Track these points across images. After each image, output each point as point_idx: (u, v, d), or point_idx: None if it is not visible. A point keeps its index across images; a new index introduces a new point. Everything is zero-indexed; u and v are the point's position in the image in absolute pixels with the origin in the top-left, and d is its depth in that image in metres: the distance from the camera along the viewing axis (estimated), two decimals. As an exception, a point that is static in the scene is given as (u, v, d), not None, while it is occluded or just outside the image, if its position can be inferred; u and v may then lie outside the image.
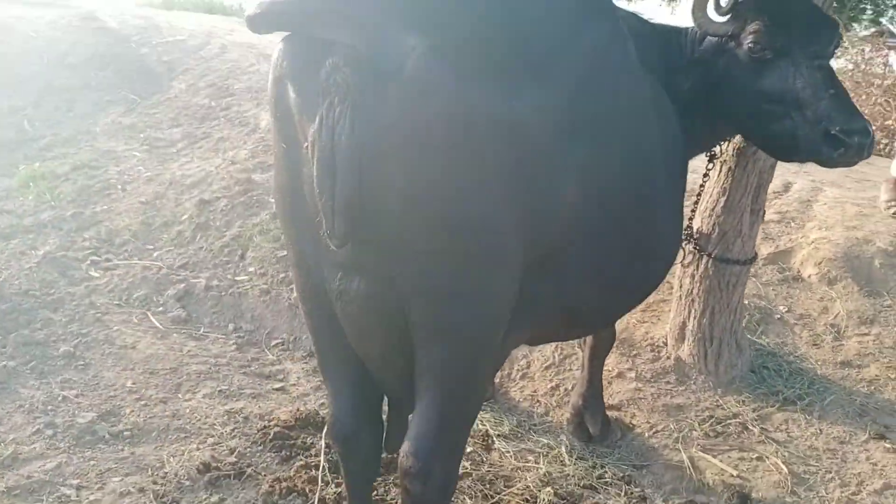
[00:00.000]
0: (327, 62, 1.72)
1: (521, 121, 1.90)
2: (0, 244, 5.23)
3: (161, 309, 4.66)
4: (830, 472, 3.33)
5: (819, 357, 4.19)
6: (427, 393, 2.06)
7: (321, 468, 3.15)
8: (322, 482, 3.10)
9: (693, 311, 3.95)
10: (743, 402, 3.82)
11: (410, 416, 2.18)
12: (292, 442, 3.39)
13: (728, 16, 2.70)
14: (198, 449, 3.31)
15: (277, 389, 3.91)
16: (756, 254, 3.92)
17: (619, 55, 2.31)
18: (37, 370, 3.84)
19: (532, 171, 1.95)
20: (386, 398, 2.40)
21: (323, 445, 3.28)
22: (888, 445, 3.48)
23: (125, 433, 3.40)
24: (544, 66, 1.98)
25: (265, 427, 3.49)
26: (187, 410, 3.63)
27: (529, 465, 3.38)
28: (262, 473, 3.18)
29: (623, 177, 2.25)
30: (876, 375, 4.02)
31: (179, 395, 3.77)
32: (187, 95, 8.50)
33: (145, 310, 4.64)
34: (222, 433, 3.46)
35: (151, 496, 2.96)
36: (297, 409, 3.65)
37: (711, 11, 2.70)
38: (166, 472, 3.13)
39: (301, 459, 3.28)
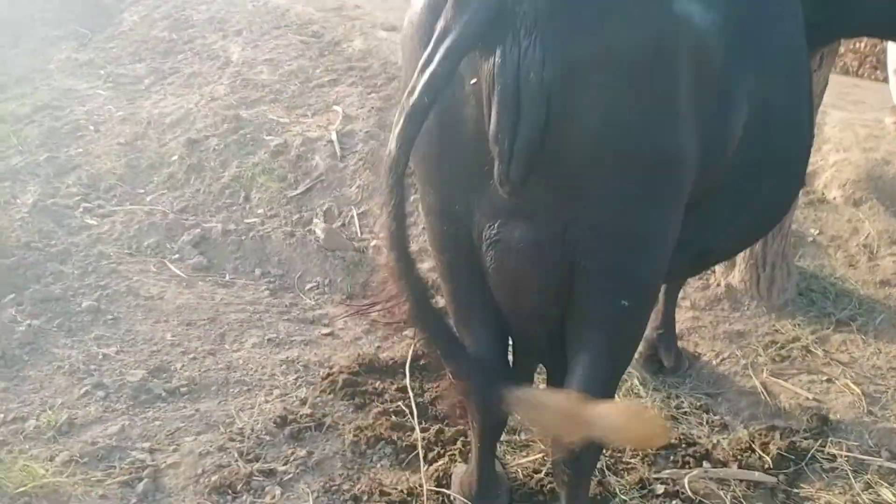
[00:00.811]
0: None
1: (711, 45, 1.74)
2: (-21, 193, 4.79)
3: (177, 256, 4.35)
4: (901, 391, 3.38)
5: (858, 277, 4.23)
6: (593, 343, 1.95)
7: (413, 413, 3.00)
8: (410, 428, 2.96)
9: (745, 236, 3.90)
10: (798, 325, 3.83)
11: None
12: (363, 388, 3.22)
13: None
14: (266, 402, 3.12)
15: (327, 335, 3.71)
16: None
17: None
18: (64, 328, 3.53)
19: (713, 102, 1.80)
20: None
21: (410, 388, 3.13)
22: (947, 361, 3.55)
23: (182, 389, 3.17)
24: None
25: (329, 375, 3.30)
26: (241, 362, 3.40)
27: (607, 398, 3.32)
28: (341, 423, 3.01)
29: (783, 107, 2.11)
30: (917, 293, 4.09)
31: (227, 346, 3.53)
32: (143, 28, 7.95)
33: (161, 258, 4.32)
34: (286, 384, 3.26)
35: (235, 454, 2.77)
36: (357, 354, 3.48)
37: None
38: (241, 428, 2.94)
39: (377, 406, 3.12)
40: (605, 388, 2.00)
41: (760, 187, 2.21)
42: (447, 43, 1.57)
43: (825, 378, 3.46)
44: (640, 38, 1.58)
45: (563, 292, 1.90)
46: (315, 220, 4.72)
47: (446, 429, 2.96)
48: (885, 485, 2.81)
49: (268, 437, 2.90)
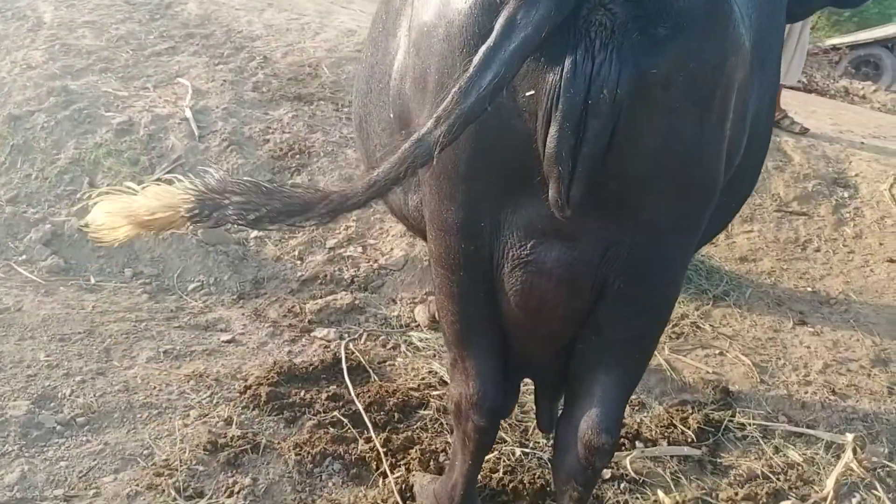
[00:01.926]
0: None
1: (749, 69, 1.74)
2: None
3: (24, 258, 3.75)
4: (780, 359, 3.72)
5: (720, 255, 4.60)
6: (613, 364, 1.92)
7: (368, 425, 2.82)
8: (355, 439, 2.78)
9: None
10: (683, 302, 4.08)
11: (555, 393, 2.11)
12: (290, 400, 2.97)
13: None
14: (185, 425, 2.78)
15: (228, 342, 3.38)
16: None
17: None
18: None
19: (740, 125, 1.81)
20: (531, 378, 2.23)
21: (355, 397, 2.93)
22: (811, 329, 3.96)
23: (78, 420, 2.74)
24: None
25: (247, 388, 3.02)
26: (139, 380, 3.00)
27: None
28: (277, 441, 2.76)
29: (766, 116, 2.18)
30: (771, 268, 4.52)
31: (116, 363, 3.10)
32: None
33: (5, 260, 3.69)
34: (201, 402, 2.93)
35: (171, 491, 2.44)
36: (270, 363, 3.21)
37: None
38: (166, 460, 2.60)
39: (310, 418, 2.91)
40: (623, 407, 1.99)
41: (735, 197, 2.28)
42: (512, 45, 1.42)
43: (717, 351, 3.73)
44: (707, 57, 1.54)
45: (585, 314, 1.85)
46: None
47: (393, 437, 2.82)
48: (791, 447, 3.09)
49: (201, 467, 2.58)
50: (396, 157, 1.49)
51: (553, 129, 1.50)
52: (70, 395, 2.85)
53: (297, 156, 4.85)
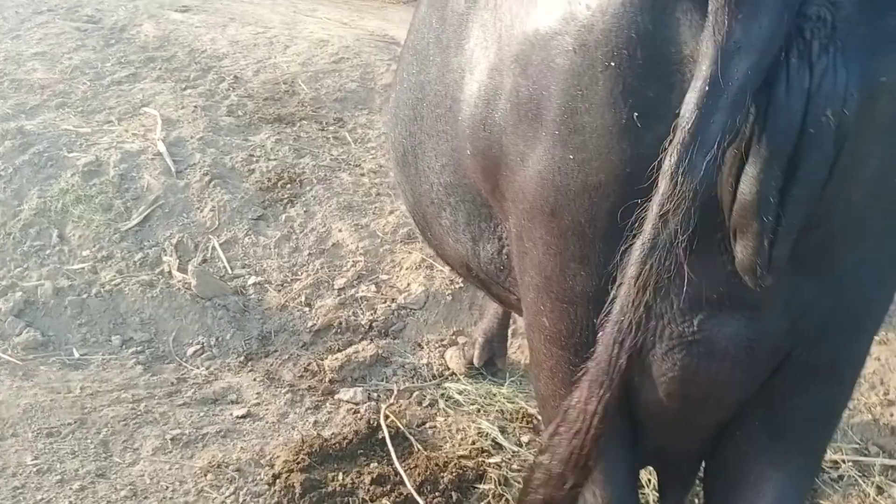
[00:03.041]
0: None
1: None
2: None
3: (-8, 333, 3.24)
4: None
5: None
6: (789, 455, 1.53)
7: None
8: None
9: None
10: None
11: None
12: (329, 489, 2.55)
13: None
14: (212, 535, 2.34)
15: (243, 417, 2.93)
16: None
17: None
18: None
19: None
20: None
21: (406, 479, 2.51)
22: (876, 337, 3.64)
23: (83, 542, 2.28)
24: None
25: (276, 477, 2.58)
26: (147, 480, 2.55)
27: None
28: (324, 546, 2.34)
29: None
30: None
31: (117, 458, 2.64)
32: None
33: (-29, 339, 3.19)
34: (224, 502, 2.49)
35: None
36: (297, 440, 2.77)
37: None
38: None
39: (356, 508, 2.49)
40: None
41: None
42: (737, 76, 1.02)
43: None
44: None
45: (755, 394, 1.46)
46: (165, 259, 3.80)
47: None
48: (893, 484, 2.76)
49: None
50: (627, 291, 1.10)
51: (752, 168, 1.10)
52: (68, 509, 2.38)
53: (288, 185, 4.39)
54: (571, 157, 1.26)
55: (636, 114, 1.17)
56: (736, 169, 1.12)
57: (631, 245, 1.13)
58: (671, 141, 1.05)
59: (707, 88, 1.02)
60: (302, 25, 6.78)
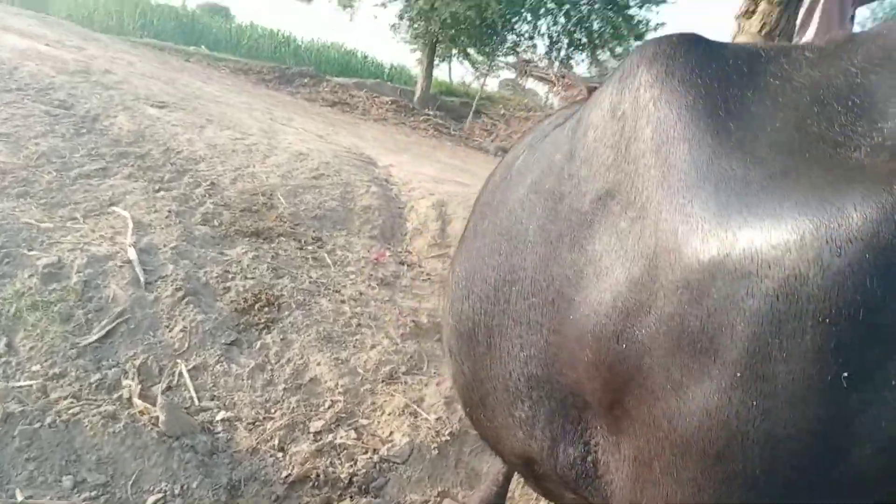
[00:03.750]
0: None
1: None
2: None
3: (-78, 463, 2.81)
4: None
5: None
6: None
7: None
8: None
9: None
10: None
11: None
12: None
13: None
14: None
15: (213, 589, 2.57)
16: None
17: None
18: None
19: None
20: None
21: None
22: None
23: None
24: None
25: None
26: None
27: None
28: None
29: None
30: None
31: None
32: None
33: None
34: None
35: None
36: None
37: None
38: None
39: None
40: None
41: None
42: None
43: None
44: None
45: None
46: (125, 383, 3.44)
47: None
48: None
49: None
50: None
51: None
52: None
53: (265, 308, 4.12)
54: (755, 403, 1.10)
55: (845, 373, 1.03)
56: None
57: None
58: None
59: None
60: (281, 136, 6.67)
